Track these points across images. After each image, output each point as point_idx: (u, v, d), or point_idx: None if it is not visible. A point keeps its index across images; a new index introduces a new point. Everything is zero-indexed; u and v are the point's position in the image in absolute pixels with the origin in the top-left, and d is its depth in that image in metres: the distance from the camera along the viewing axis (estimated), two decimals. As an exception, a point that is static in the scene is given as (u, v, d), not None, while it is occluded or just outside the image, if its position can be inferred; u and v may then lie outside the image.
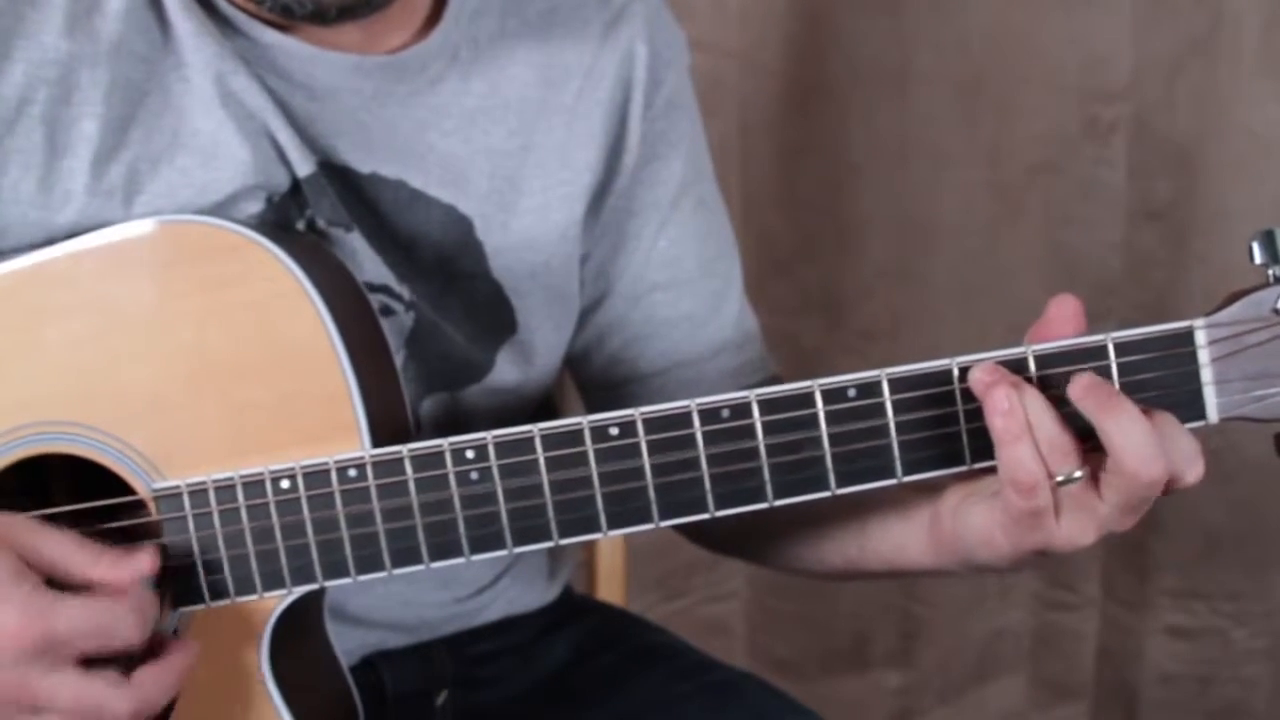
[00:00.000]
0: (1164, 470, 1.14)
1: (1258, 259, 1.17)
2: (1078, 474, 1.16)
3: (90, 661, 1.17)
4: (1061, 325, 1.19)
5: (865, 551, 1.38)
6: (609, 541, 1.91)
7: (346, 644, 1.45)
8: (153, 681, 1.20)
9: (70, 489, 1.34)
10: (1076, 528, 1.19)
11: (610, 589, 1.92)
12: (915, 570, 1.35)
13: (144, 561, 1.20)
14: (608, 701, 1.58)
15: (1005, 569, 1.26)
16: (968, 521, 1.24)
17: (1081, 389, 1.15)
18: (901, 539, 1.33)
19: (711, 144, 1.66)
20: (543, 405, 1.61)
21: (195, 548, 1.26)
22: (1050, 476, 1.16)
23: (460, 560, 1.23)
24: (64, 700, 1.15)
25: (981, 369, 1.17)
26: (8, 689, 1.14)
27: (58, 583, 1.18)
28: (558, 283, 1.53)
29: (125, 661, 1.19)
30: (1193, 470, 1.16)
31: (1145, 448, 1.13)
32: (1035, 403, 1.15)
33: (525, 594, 1.69)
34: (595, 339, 1.61)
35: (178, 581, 1.27)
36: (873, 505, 1.35)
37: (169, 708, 1.27)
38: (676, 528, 1.29)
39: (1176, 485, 1.16)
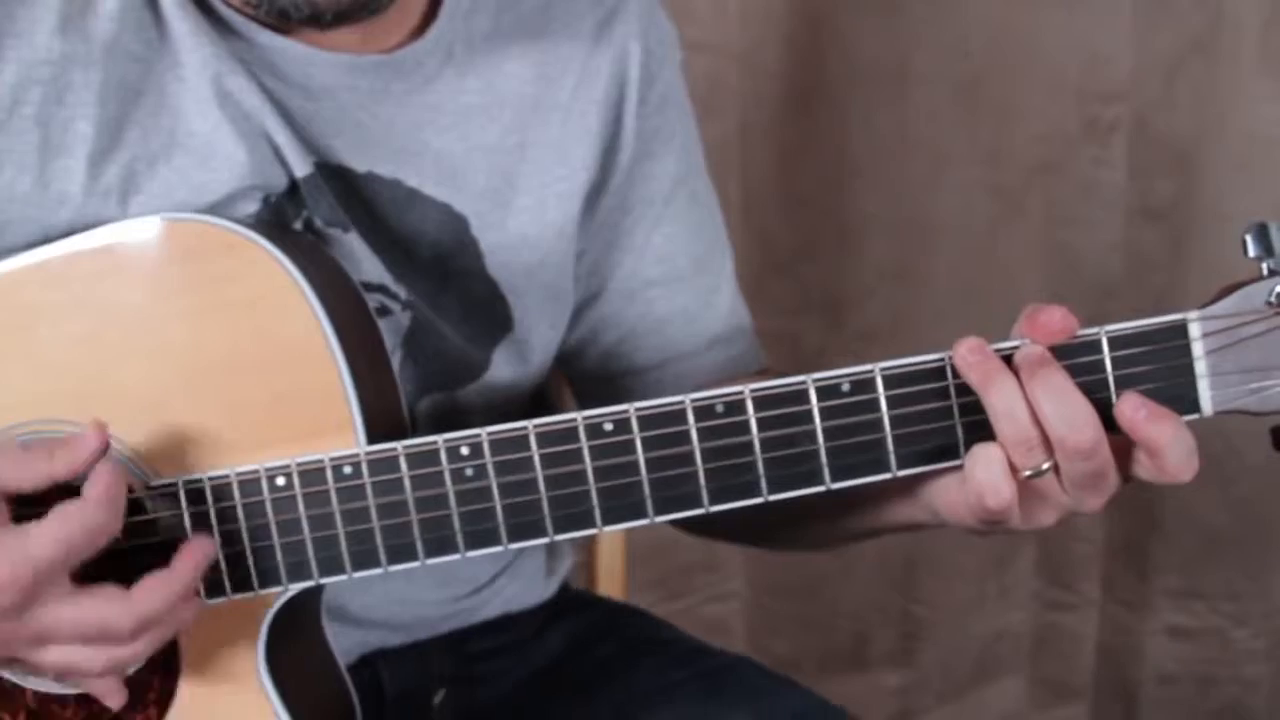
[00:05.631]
0: (1094, 437, 1.15)
1: (1251, 252, 1.17)
2: (1045, 466, 1.17)
3: (92, 576, 1.18)
4: (1048, 336, 1.18)
5: (851, 518, 1.38)
6: (608, 541, 1.91)
7: (344, 643, 1.46)
8: (154, 592, 1.19)
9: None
10: (1037, 513, 1.21)
11: (610, 589, 1.92)
12: (891, 526, 1.35)
13: (92, 437, 1.19)
14: (605, 691, 1.58)
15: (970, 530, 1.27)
16: (937, 488, 1.24)
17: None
18: (885, 502, 1.33)
19: (711, 144, 1.67)
20: (537, 400, 1.61)
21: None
22: (1018, 471, 1.17)
23: (456, 556, 1.24)
24: (65, 627, 1.16)
25: (967, 346, 1.18)
26: (6, 633, 1.15)
27: (25, 497, 1.19)
28: (553, 280, 1.54)
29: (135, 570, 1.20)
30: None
31: (1078, 416, 1.15)
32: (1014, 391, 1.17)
33: (523, 592, 1.69)
34: (590, 334, 1.61)
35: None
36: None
37: (169, 698, 1.28)
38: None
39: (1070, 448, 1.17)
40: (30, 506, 1.20)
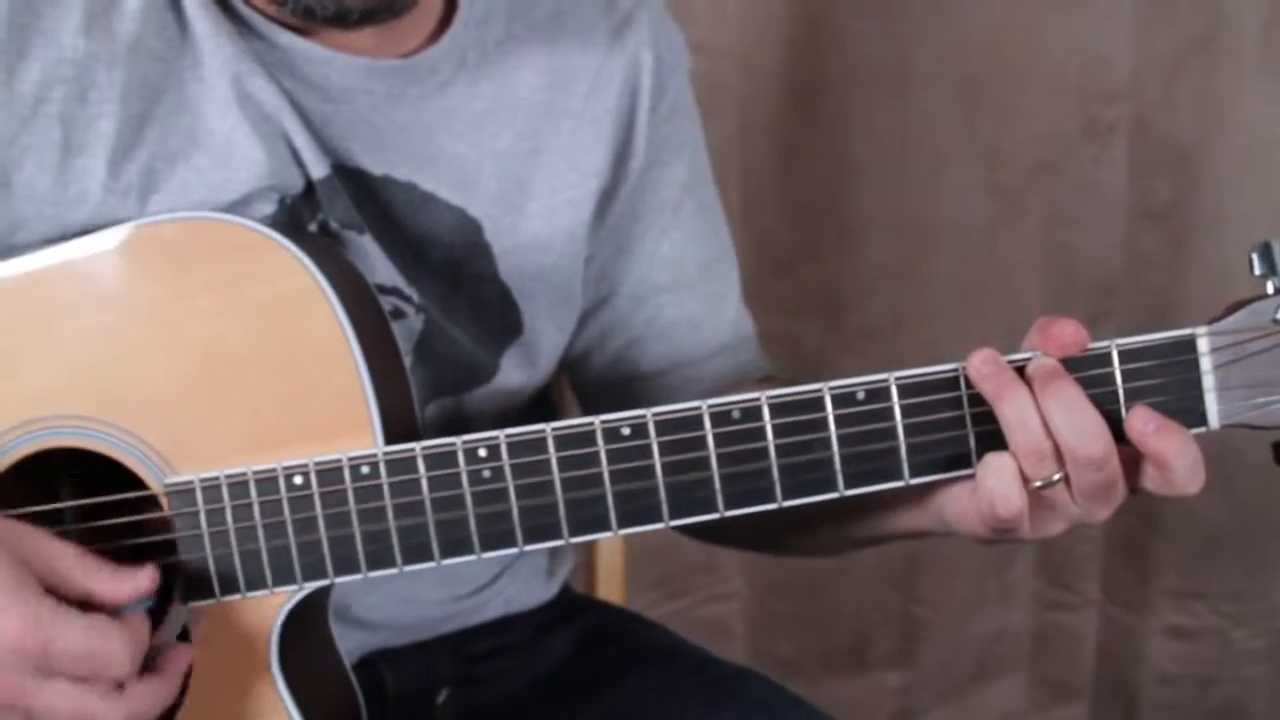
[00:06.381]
0: (1105, 448, 1.17)
1: (1257, 270, 1.19)
2: (1056, 477, 1.18)
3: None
4: (1060, 348, 1.19)
5: (860, 525, 1.38)
6: (609, 542, 1.92)
7: (347, 644, 1.45)
8: (146, 693, 1.20)
9: (77, 486, 1.35)
10: (1046, 523, 1.22)
11: (610, 589, 1.93)
12: (899, 534, 1.36)
13: (143, 580, 1.21)
14: (607, 698, 1.59)
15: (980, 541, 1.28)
16: (948, 497, 1.25)
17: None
18: (894, 509, 1.34)
19: (711, 145, 1.67)
20: (541, 404, 1.63)
21: (207, 542, 1.26)
22: (1029, 481, 1.18)
23: (471, 557, 1.24)
24: (59, 710, 1.15)
25: (981, 358, 1.19)
26: (3, 691, 1.14)
27: (56, 592, 1.18)
28: (563, 285, 1.54)
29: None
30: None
31: (1087, 427, 1.17)
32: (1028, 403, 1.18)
33: (524, 592, 1.70)
34: (597, 340, 1.62)
35: (188, 576, 1.27)
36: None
37: (181, 695, 1.28)
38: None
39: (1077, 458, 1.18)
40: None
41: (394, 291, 1.43)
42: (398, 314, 1.43)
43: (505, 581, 1.67)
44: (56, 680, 1.15)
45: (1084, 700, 2.80)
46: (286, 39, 1.39)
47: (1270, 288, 1.18)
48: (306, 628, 1.34)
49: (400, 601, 1.57)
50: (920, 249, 2.55)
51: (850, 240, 2.54)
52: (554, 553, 1.75)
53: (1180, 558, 2.63)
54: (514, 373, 1.53)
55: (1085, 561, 2.70)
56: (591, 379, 1.65)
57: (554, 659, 1.67)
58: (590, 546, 1.93)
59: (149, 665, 1.22)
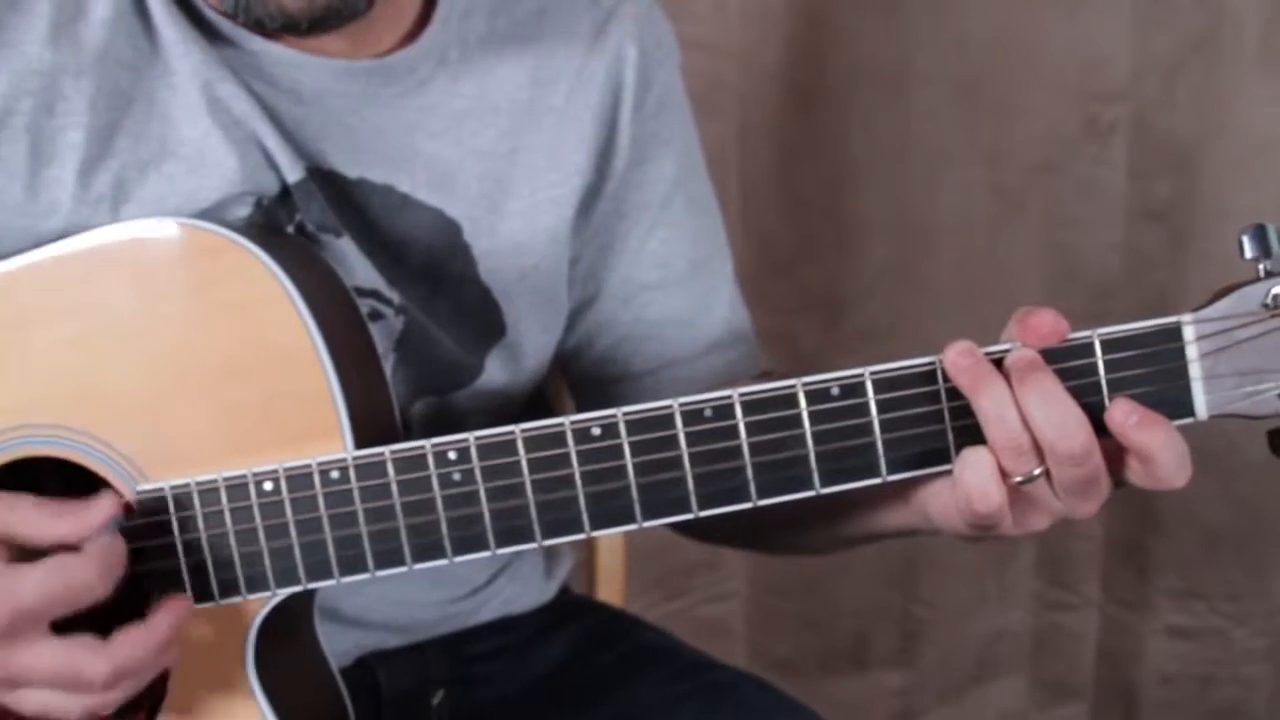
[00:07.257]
0: (1085, 443, 1.14)
1: (1248, 253, 1.15)
2: (1036, 472, 1.16)
3: (69, 625, 1.17)
4: (1039, 339, 1.18)
5: (847, 523, 1.37)
6: (608, 541, 1.91)
7: (341, 645, 1.45)
8: (131, 642, 1.18)
9: (62, 493, 1.34)
10: (1029, 518, 1.20)
11: (610, 589, 1.92)
12: (888, 532, 1.35)
13: (105, 507, 1.20)
14: (604, 702, 1.57)
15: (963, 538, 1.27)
16: (929, 493, 1.24)
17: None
18: (879, 507, 1.32)
19: (711, 145, 1.66)
20: (535, 403, 1.61)
21: (179, 550, 1.25)
22: (1009, 476, 1.16)
23: (443, 561, 1.23)
24: (41, 671, 1.15)
25: (957, 350, 1.17)
26: None
27: (21, 548, 1.18)
28: (546, 285, 1.53)
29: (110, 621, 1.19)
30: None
31: (1066, 424, 1.14)
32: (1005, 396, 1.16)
33: (521, 594, 1.69)
34: (586, 339, 1.60)
35: (163, 583, 1.26)
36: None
37: (158, 702, 1.28)
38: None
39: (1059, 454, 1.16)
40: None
41: (373, 294, 1.41)
42: (377, 316, 1.42)
43: (503, 582, 1.66)
44: (36, 642, 1.15)
45: (1084, 700, 2.80)
46: (256, 43, 1.39)
47: (1261, 271, 1.15)
48: (287, 632, 1.33)
49: (394, 603, 1.56)
50: (920, 249, 2.54)
51: (850, 240, 2.54)
52: (552, 554, 1.74)
53: (1180, 557, 2.62)
54: (498, 373, 1.52)
55: (1085, 561, 2.69)
56: (584, 377, 1.64)
57: (550, 662, 1.66)
58: (590, 546, 1.93)
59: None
